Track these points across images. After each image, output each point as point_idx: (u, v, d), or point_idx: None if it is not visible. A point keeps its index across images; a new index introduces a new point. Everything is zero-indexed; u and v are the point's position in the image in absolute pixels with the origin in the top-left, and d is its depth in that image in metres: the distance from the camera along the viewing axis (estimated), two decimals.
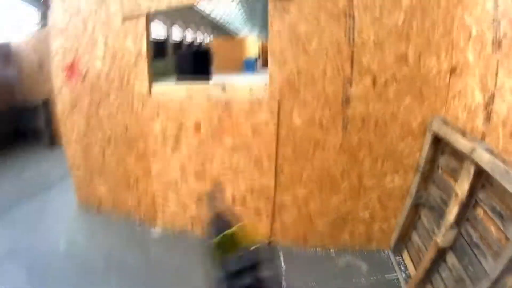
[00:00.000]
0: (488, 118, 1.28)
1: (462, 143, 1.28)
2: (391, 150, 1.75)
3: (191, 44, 18.83)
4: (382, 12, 1.66)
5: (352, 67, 1.71)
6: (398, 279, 1.72)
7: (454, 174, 1.42)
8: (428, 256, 1.42)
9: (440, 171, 1.60)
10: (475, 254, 1.18)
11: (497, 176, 1.03)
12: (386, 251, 1.92)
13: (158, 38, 13.81)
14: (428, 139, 1.63)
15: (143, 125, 1.95)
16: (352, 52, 1.69)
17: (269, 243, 1.92)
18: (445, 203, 1.44)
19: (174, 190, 2.03)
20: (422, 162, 1.66)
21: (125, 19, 1.83)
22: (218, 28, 25.94)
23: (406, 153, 1.75)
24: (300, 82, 1.73)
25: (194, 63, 9.71)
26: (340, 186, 1.83)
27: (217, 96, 1.79)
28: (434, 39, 1.61)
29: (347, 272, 1.78)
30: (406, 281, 1.67)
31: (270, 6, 1.65)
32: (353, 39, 1.68)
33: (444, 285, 1.36)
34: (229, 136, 1.82)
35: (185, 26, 17.45)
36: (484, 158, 1.11)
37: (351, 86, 1.71)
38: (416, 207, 1.74)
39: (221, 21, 25.88)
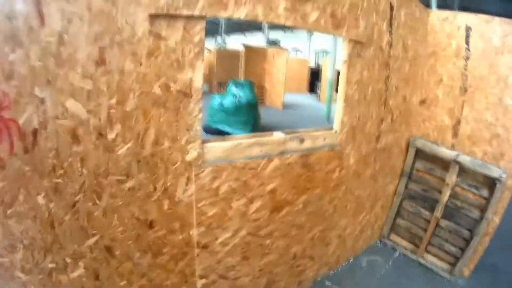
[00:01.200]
0: (456, 134, 2.20)
1: (447, 153, 2.15)
2: (392, 166, 2.38)
3: None
4: (400, 64, 2.12)
5: (384, 108, 2.09)
6: (401, 254, 2.47)
7: (431, 171, 2.31)
8: (430, 228, 2.28)
9: (416, 172, 2.43)
10: (462, 213, 2.14)
11: (475, 167, 2.00)
12: (378, 241, 2.66)
13: None
14: (412, 153, 2.40)
15: (186, 214, 1.24)
16: (386, 97, 2.07)
17: None
18: (426, 191, 2.34)
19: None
20: (407, 169, 2.43)
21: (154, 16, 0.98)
22: None
23: (397, 166, 2.45)
24: (358, 127, 1.87)
25: None
26: (365, 206, 2.26)
27: (295, 151, 1.51)
28: (417, 82, 2.33)
29: (370, 267, 2.33)
30: (413, 252, 2.42)
31: (347, 49, 1.61)
32: (387, 85, 2.04)
33: (442, 240, 2.27)
34: (304, 193, 1.64)
35: None
36: (466, 159, 2.04)
37: (382, 124, 2.11)
38: (400, 201, 2.54)
39: None
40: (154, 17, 0.97)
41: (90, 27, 0.90)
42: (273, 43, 18.58)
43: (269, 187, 1.42)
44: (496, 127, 2.05)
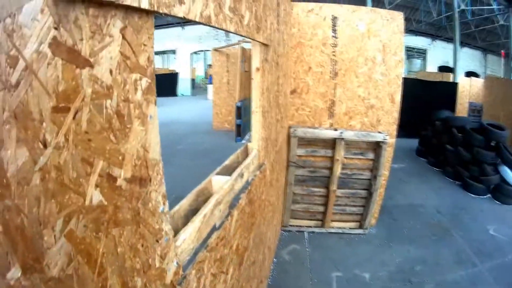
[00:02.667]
0: (332, 114, 2.81)
1: (331, 133, 2.72)
2: (283, 160, 2.70)
3: None
4: (282, 60, 2.37)
5: (278, 109, 2.29)
6: (310, 232, 2.92)
7: (313, 153, 2.83)
8: (330, 201, 2.86)
9: (300, 158, 2.88)
10: (354, 178, 2.84)
11: (361, 138, 2.70)
12: (281, 231, 2.96)
13: None
14: (294, 142, 2.79)
15: None
16: (278, 97, 2.26)
17: None
18: (313, 172, 2.87)
19: None
20: (292, 158, 2.83)
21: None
22: None
23: (284, 158, 2.76)
24: (268, 136, 1.99)
25: None
26: (276, 208, 2.40)
27: (240, 189, 1.43)
28: (288, 74, 2.69)
29: (294, 257, 2.59)
30: (321, 226, 2.92)
31: (260, 54, 1.62)
32: (279, 85, 2.26)
33: (343, 206, 2.91)
34: (251, 229, 1.61)
35: None
36: (350, 134, 2.70)
37: (278, 125, 2.31)
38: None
39: None
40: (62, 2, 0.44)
41: None
42: None
43: (235, 245, 1.21)
44: (369, 100, 2.70)
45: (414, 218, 3.32)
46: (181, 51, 17.31)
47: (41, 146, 0.43)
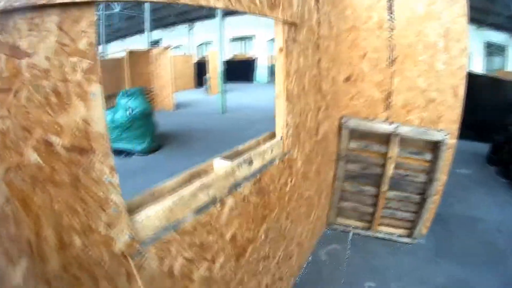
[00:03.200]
0: (388, 106, 2.45)
1: (384, 127, 2.39)
2: (330, 154, 2.51)
3: None
4: (327, 43, 2.17)
5: (319, 95, 2.13)
6: (356, 233, 2.68)
7: (367, 148, 2.53)
8: (379, 202, 2.55)
9: (351, 152, 2.61)
10: (408, 180, 2.46)
11: (417, 136, 2.31)
12: (326, 229, 2.79)
13: None
14: (346, 134, 2.54)
15: None
16: (320, 82, 2.10)
17: None
18: (366, 168, 2.58)
19: None
20: (343, 151, 2.59)
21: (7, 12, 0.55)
22: None
23: (332, 151, 2.58)
24: (301, 123, 1.85)
25: None
26: (314, 203, 2.33)
27: (245, 177, 1.36)
28: (341, 59, 2.47)
29: (332, 258, 2.42)
30: (366, 229, 2.66)
31: (285, 33, 1.49)
32: (320, 69, 2.07)
33: (393, 210, 2.58)
34: (263, 222, 1.52)
35: None
36: (406, 129, 2.33)
37: (318, 113, 2.15)
38: (341, 184, 2.71)
39: None
40: (3, 15, 0.53)
41: None
42: (155, 43, 18.30)
43: (229, 235, 1.20)
44: (430, 92, 2.32)
45: (470, 234, 2.76)
46: (259, 38, 17.71)
47: None
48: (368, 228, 2.71)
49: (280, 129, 1.63)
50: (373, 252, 2.50)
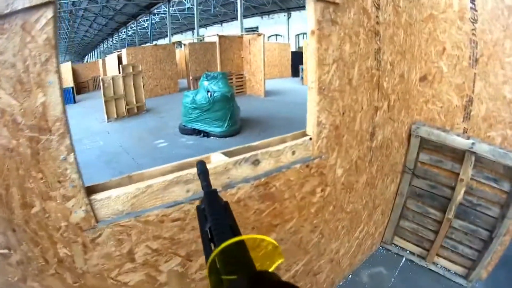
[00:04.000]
0: (468, 116, 1.90)
1: (460, 141, 1.88)
2: (392, 164, 2.13)
3: None
4: (393, 32, 1.75)
5: (378, 93, 1.77)
6: (408, 259, 2.29)
7: (439, 164, 2.06)
8: (442, 229, 2.08)
9: (421, 165, 2.17)
10: (479, 211, 1.92)
11: (496, 157, 1.75)
12: (380, 247, 2.45)
13: None
14: (415, 144, 2.12)
15: (100, 285, 1.00)
16: (379, 77, 1.74)
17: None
18: (434, 187, 2.11)
19: None
20: (410, 164, 2.17)
21: None
22: None
23: (397, 161, 2.18)
24: (344, 124, 1.56)
25: None
26: (362, 218, 2.04)
27: (246, 179, 1.22)
28: (415, 54, 2.00)
29: (374, 282, 2.12)
30: (422, 257, 2.25)
31: (317, 12, 1.24)
32: (380, 61, 1.70)
33: (456, 242, 2.07)
34: (271, 232, 1.38)
35: None
36: (484, 148, 1.78)
37: (376, 115, 1.80)
38: (404, 201, 2.32)
39: None
40: None
41: None
42: (252, 30, 19.40)
43: None
44: None
45: None
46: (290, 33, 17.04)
47: None
48: (424, 257, 2.26)
49: (310, 128, 1.43)
50: (420, 287, 2.06)
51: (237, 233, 0.48)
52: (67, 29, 24.77)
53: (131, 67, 8.56)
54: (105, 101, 7.85)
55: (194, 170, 1.07)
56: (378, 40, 1.60)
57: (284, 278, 1.56)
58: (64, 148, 0.83)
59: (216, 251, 0.38)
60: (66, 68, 13.74)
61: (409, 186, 2.23)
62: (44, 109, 0.79)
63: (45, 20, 0.76)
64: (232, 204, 1.15)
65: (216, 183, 1.12)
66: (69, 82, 13.14)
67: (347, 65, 1.45)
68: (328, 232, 1.74)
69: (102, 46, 39.39)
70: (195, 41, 15.82)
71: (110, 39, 35.43)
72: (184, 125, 6.08)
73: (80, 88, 15.55)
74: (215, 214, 0.49)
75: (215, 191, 0.58)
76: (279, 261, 0.44)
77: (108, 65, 13.06)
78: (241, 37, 10.02)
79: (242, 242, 0.41)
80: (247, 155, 1.20)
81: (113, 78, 8.10)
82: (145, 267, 1.03)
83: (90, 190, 0.95)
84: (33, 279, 0.89)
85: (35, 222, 0.84)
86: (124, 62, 10.31)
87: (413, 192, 2.24)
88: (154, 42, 21.85)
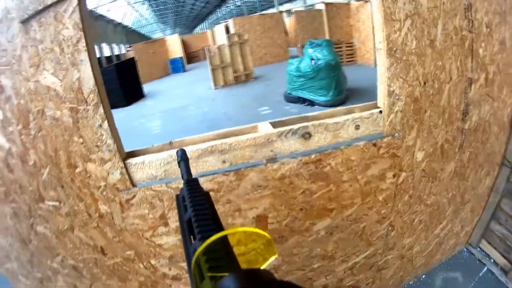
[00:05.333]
0: None
1: None
2: (489, 154, 1.57)
3: (110, 58, 18.24)
4: None
5: (472, 62, 1.20)
6: (490, 271, 1.77)
7: None
8: None
9: None
10: None
11: None
12: (464, 249, 1.95)
13: None
14: None
15: (137, 243, 1.00)
16: (472, 41, 1.15)
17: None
18: None
19: None
20: (511, 156, 1.58)
21: (28, 19, 0.81)
22: (132, 35, 27.16)
23: (496, 150, 1.61)
24: (426, 96, 1.10)
25: (120, 77, 9.03)
26: (445, 214, 1.56)
27: (294, 154, 0.97)
28: None
29: None
30: (505, 271, 1.72)
31: None
32: (472, 21, 1.15)
33: None
34: (324, 217, 1.11)
35: (99, 41, 16.88)
36: None
37: (470, 89, 1.24)
38: (498, 200, 1.74)
39: (133, 27, 27.84)
40: (25, 22, 0.76)
41: None
42: None
43: (251, 212, 1.02)
44: None
45: None
46: None
47: None
48: (507, 272, 1.69)
49: (381, 99, 1.07)
50: None
51: (219, 225, 0.43)
52: (173, 3, 25.19)
53: (236, 36, 8.50)
54: (212, 69, 8.08)
55: (233, 140, 0.93)
56: None
57: (340, 268, 1.33)
58: (99, 117, 0.81)
59: (202, 247, 0.34)
60: (174, 39, 14.90)
61: (507, 183, 1.65)
62: (80, 84, 0.80)
63: (71, 8, 0.77)
64: (275, 181, 0.98)
65: (256, 155, 0.95)
66: (178, 52, 14.21)
67: (426, 22, 1.00)
68: (400, 225, 1.38)
69: (210, 17, 39.80)
70: (303, 9, 14.82)
71: (218, 10, 35.31)
72: (289, 93, 5.82)
73: (190, 57, 16.38)
74: (196, 205, 0.44)
75: (195, 180, 0.52)
76: (273, 257, 0.38)
77: (217, 35, 13.38)
78: (348, 4, 8.88)
79: (225, 236, 0.37)
80: (295, 126, 0.98)
81: (219, 47, 8.22)
82: (178, 233, 0.99)
83: (130, 155, 0.93)
84: (79, 230, 0.96)
85: (79, 180, 0.88)
86: (232, 32, 10.43)
87: (510, 190, 1.63)
88: (264, 11, 21.59)
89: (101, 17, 18.80)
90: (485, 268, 1.76)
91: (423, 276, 1.75)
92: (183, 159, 0.60)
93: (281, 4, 22.56)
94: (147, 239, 1.00)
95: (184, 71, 13.62)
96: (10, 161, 0.91)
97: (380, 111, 1.04)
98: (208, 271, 0.32)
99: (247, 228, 0.37)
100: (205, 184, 0.94)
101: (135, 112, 7.89)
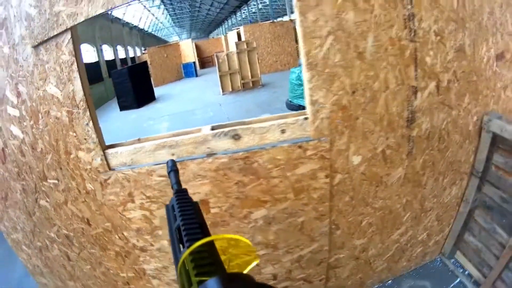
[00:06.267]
0: None
1: None
2: (451, 162, 1.82)
3: (124, 61, 20.30)
4: None
5: (416, 70, 1.46)
6: (463, 283, 1.98)
7: None
8: (503, 259, 1.67)
9: (494, 169, 1.77)
10: None
11: None
12: (438, 258, 2.18)
13: (89, 61, 14.71)
14: (486, 141, 1.74)
15: (113, 216, 1.43)
16: (415, 50, 1.43)
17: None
18: (506, 201, 1.70)
19: None
20: (479, 166, 1.80)
21: (38, 45, 1.28)
22: (148, 38, 29.67)
23: (463, 160, 1.84)
24: (357, 104, 1.39)
25: (132, 80, 10.53)
26: (402, 219, 1.87)
27: (227, 151, 1.33)
28: (484, 23, 1.60)
29: None
30: (478, 284, 1.92)
31: None
32: (415, 31, 1.39)
33: None
34: (259, 207, 1.44)
35: (115, 44, 18.68)
36: None
37: (415, 97, 1.51)
38: (469, 211, 1.98)
39: (149, 30, 30.40)
40: (36, 47, 1.22)
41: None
42: None
43: (195, 196, 1.43)
44: None
45: None
46: None
47: None
48: (479, 285, 1.88)
49: (308, 105, 1.41)
50: None
51: (207, 233, 0.48)
52: (189, 8, 28.00)
53: (245, 44, 9.62)
54: (220, 76, 9.28)
55: (179, 138, 1.34)
56: (409, 3, 1.33)
57: (286, 259, 1.67)
58: (86, 118, 1.32)
59: (188, 251, 0.39)
60: (188, 44, 16.76)
61: (479, 193, 1.88)
62: (73, 94, 1.31)
63: (67, 40, 1.28)
64: (211, 172, 1.36)
65: (197, 151, 1.36)
66: (192, 57, 15.63)
67: (352, 36, 1.33)
68: (346, 225, 1.70)
69: (226, 23, 43.37)
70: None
71: (234, 16, 38.31)
72: (290, 101, 6.52)
73: (204, 62, 18.60)
74: (184, 214, 0.50)
75: (184, 190, 0.60)
76: (254, 262, 0.44)
77: (230, 41, 14.90)
78: None
79: (211, 243, 0.42)
80: (226, 129, 1.36)
81: (227, 54, 9.40)
82: (142, 209, 1.41)
83: (109, 146, 1.39)
84: (71, 203, 1.47)
85: (72, 164, 1.37)
86: (243, 38, 11.74)
87: (483, 201, 1.87)
88: (279, 19, 22.65)
89: (117, 19, 21.28)
90: (457, 280, 2.00)
91: (389, 282, 2.05)
92: (173, 169, 0.67)
93: (292, 12, 23.28)
94: (120, 213, 1.45)
95: (197, 76, 14.88)
96: (23, 148, 1.48)
97: (306, 118, 1.37)
98: (196, 276, 0.36)
99: (232, 235, 0.43)
100: (158, 171, 1.38)
101: (146, 114, 9.30)
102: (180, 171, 1.37)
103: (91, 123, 1.36)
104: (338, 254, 1.79)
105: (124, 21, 21.71)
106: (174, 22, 35.00)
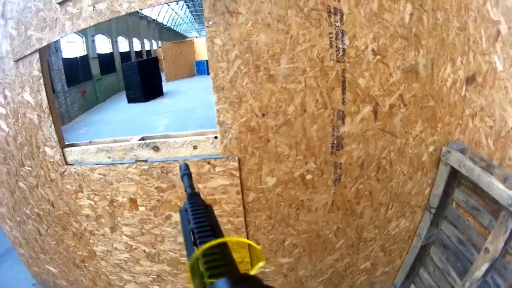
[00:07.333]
0: None
1: (500, 192, 1.34)
2: (397, 193, 1.93)
3: (139, 54, 21.66)
4: (381, 4, 1.32)
5: (344, 93, 1.45)
6: None
7: (475, 212, 1.61)
8: None
9: (454, 205, 1.78)
10: None
11: None
12: None
13: (104, 52, 15.80)
14: (443, 175, 1.72)
15: (69, 202, 1.85)
16: (343, 71, 1.42)
17: None
18: (462, 244, 1.70)
19: (127, 271, 1.97)
20: (435, 201, 1.80)
21: (18, 60, 1.80)
22: (166, 33, 30.80)
23: (414, 193, 1.86)
24: (268, 126, 1.49)
25: (141, 74, 11.25)
26: (334, 246, 2.01)
27: (149, 159, 1.57)
28: (449, 39, 1.59)
29: None
30: None
31: (206, 8, 1.32)
32: (344, 50, 1.38)
33: None
34: (178, 212, 1.67)
35: (130, 36, 19.76)
36: None
37: (343, 122, 1.50)
38: (425, 245, 1.99)
39: (168, 25, 30.85)
40: (16, 62, 1.67)
41: None
42: None
43: (125, 194, 1.77)
44: None
45: None
46: None
47: None
48: None
49: (218, 126, 1.59)
50: None
51: (219, 235, 0.51)
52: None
53: None
54: None
55: (113, 145, 1.66)
56: (339, 20, 1.35)
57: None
58: (50, 121, 1.77)
59: (198, 253, 0.42)
60: (203, 42, 17.53)
61: (435, 229, 1.89)
62: (41, 102, 1.81)
63: (36, 58, 1.88)
64: (136, 176, 1.65)
65: (126, 157, 1.70)
66: (205, 55, 16.28)
67: (262, 59, 1.42)
68: (267, 241, 1.98)
69: None
70: None
71: None
72: None
73: None
74: (197, 217, 0.53)
75: (197, 194, 0.63)
76: (261, 263, 0.47)
77: None
78: None
79: (225, 245, 0.45)
80: (147, 141, 1.61)
81: None
82: (88, 199, 1.84)
83: (67, 145, 1.81)
84: (41, 188, 2.16)
85: (42, 156, 1.95)
86: None
87: (440, 239, 1.93)
88: None
89: (135, 12, 21.75)
90: None
91: None
92: (186, 173, 0.70)
93: None
94: (73, 200, 1.96)
95: (208, 74, 15.26)
96: (8, 139, 2.24)
97: (216, 137, 1.53)
98: (209, 278, 0.38)
99: (241, 239, 0.47)
100: (98, 170, 1.79)
101: (150, 109, 10.50)
102: (112, 172, 1.69)
103: (53, 126, 1.92)
104: (262, 268, 1.90)
105: (142, 14, 22.47)
106: (194, 19, 36.98)
